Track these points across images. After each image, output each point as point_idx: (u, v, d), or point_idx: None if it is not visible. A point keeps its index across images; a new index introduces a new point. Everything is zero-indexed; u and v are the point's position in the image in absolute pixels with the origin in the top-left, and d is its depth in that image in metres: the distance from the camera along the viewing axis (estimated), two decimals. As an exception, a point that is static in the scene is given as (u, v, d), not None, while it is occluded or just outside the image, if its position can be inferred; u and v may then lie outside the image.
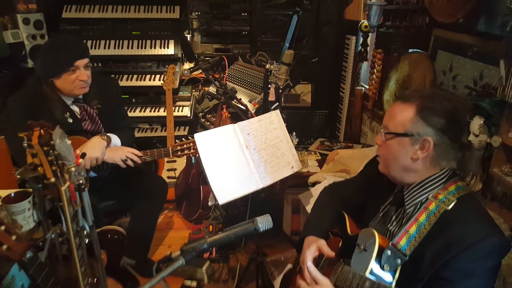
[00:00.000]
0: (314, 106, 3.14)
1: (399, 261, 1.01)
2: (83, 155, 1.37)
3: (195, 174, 2.53)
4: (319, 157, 2.58)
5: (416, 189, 1.10)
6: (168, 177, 2.87)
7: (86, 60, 1.77)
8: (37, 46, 2.86)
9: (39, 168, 1.13)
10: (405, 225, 1.06)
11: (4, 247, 0.95)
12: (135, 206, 2.05)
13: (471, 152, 1.08)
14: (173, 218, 2.79)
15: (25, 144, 1.16)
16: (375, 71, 2.53)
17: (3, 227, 0.97)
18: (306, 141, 2.95)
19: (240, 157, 1.61)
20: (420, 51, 2.17)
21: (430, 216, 1.03)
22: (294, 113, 3.08)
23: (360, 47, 2.58)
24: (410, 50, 2.24)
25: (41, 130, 1.13)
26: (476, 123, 1.54)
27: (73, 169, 1.21)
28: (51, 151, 1.14)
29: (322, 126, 3.14)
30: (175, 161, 2.89)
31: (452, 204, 1.02)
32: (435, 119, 1.02)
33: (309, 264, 1.16)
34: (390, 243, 1.04)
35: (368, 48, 2.57)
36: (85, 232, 1.33)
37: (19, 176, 1.34)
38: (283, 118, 1.94)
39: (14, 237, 0.98)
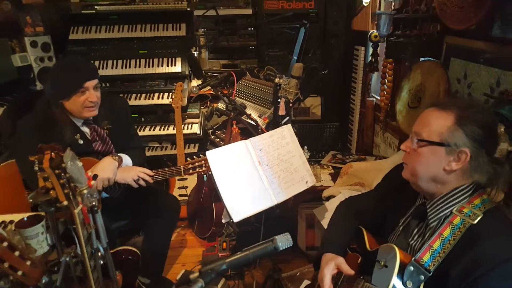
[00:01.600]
0: (324, 119, 3.11)
1: (422, 277, 0.97)
2: (95, 177, 1.34)
3: (207, 192, 2.49)
4: (332, 171, 2.53)
5: (440, 202, 1.05)
6: (180, 195, 2.84)
7: (95, 81, 1.77)
8: (45, 69, 2.90)
9: (51, 192, 1.11)
10: (428, 240, 1.02)
11: (19, 273, 0.92)
12: (148, 226, 2.02)
13: (502, 168, 1.03)
14: (186, 236, 2.75)
15: (36, 168, 1.15)
16: (386, 81, 2.50)
17: (17, 253, 0.94)
18: (318, 155, 2.90)
19: (253, 173, 1.58)
20: (432, 59, 2.13)
21: (455, 231, 0.98)
22: (304, 127, 3.05)
23: (370, 57, 2.55)
24: (422, 59, 2.20)
25: (52, 153, 1.12)
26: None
27: (85, 191, 1.19)
28: (62, 174, 1.12)
29: (333, 138, 3.09)
30: (186, 179, 2.86)
31: (478, 219, 0.97)
32: (475, 130, 0.97)
33: (326, 285, 1.12)
34: (413, 258, 1.00)
35: (378, 58, 2.54)
36: (99, 254, 1.31)
37: (31, 200, 1.33)
38: (294, 131, 1.91)
39: (28, 263, 0.95)
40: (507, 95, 1.47)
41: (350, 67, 2.97)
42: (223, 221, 2.08)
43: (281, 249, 0.91)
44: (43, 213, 1.37)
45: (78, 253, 1.28)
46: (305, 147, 2.40)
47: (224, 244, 2.45)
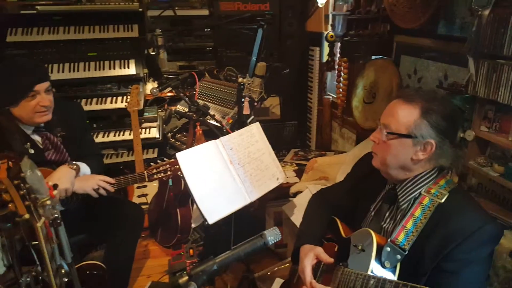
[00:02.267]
0: (284, 118, 3.16)
1: (399, 256, 1.02)
2: (55, 186, 1.23)
3: (171, 197, 2.40)
4: (296, 167, 2.57)
5: (409, 185, 1.12)
6: (140, 204, 2.70)
7: (46, 84, 1.63)
8: (-19, 74, 2.62)
9: (9, 205, 0.99)
10: (401, 221, 1.07)
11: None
12: (110, 237, 1.89)
13: (462, 151, 1.11)
14: (148, 246, 2.62)
15: (-13, 181, 1.03)
16: (342, 79, 2.60)
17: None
18: (279, 153, 2.94)
19: (226, 173, 1.55)
20: (384, 57, 2.26)
21: (425, 210, 1.05)
22: (264, 126, 3.02)
23: (327, 57, 2.65)
24: (374, 57, 2.33)
25: (9, 162, 1.01)
26: (450, 120, 1.61)
27: (48, 202, 1.08)
28: (22, 185, 1.01)
29: (292, 137, 3.16)
30: (145, 186, 2.74)
31: (445, 197, 1.05)
32: (439, 122, 1.03)
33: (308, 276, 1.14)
34: (389, 239, 1.04)
35: (335, 58, 2.64)
36: (63, 271, 1.20)
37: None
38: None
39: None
40: (457, 86, 1.60)
41: (306, 67, 3.06)
42: (193, 225, 2.03)
43: (271, 243, 0.90)
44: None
45: (39, 271, 1.17)
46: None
47: (191, 250, 2.37)
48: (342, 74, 2.59)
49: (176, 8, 2.78)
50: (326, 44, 2.63)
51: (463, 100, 1.53)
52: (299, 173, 2.46)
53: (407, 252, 1.02)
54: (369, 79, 2.34)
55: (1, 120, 1.59)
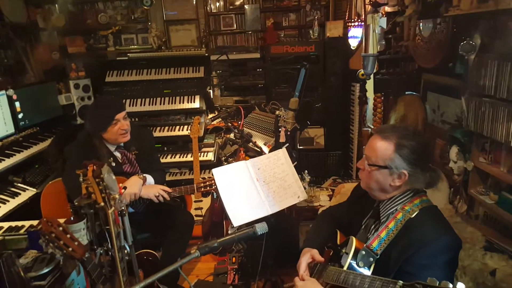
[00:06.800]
0: (327, 148, 3.42)
1: (371, 259, 1.25)
2: (124, 188, 1.72)
3: (217, 209, 2.81)
4: (330, 193, 2.80)
5: (388, 204, 1.35)
6: (196, 216, 3.16)
7: (123, 113, 2.17)
8: (85, 106, 3.43)
9: (92, 195, 1.48)
10: (377, 231, 1.29)
11: (70, 249, 1.27)
12: (166, 237, 2.34)
13: (436, 173, 1.32)
14: (200, 252, 3.04)
15: (81, 179, 1.54)
16: (377, 113, 2.81)
17: (69, 235, 1.30)
18: (322, 181, 3.18)
19: (252, 188, 1.90)
20: (413, 93, 2.45)
21: (397, 223, 1.27)
22: (309, 155, 3.37)
23: (359, 92, 2.90)
24: (407, 93, 2.52)
25: (94, 166, 1.51)
26: (454, 151, 1.77)
27: (117, 196, 1.55)
28: (100, 182, 1.50)
29: (336, 165, 3.39)
30: (201, 200, 3.20)
31: (415, 213, 1.26)
32: (409, 155, 1.25)
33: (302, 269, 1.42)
34: (365, 245, 1.27)
35: (367, 93, 2.88)
36: (125, 251, 1.64)
37: (74, 208, 1.71)
38: (293, 156, 2.22)
39: (76, 243, 1.31)
40: (460, 121, 1.76)
41: (348, 101, 3.32)
42: (229, 231, 2.38)
43: (259, 233, 1.22)
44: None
45: (109, 248, 1.63)
46: (306, 171, 2.70)
47: (234, 258, 2.73)
48: (377, 108, 2.80)
49: (234, 52, 3.33)
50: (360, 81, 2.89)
51: (462, 134, 1.69)
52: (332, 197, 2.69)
53: (378, 256, 1.25)
54: (400, 113, 2.53)
55: (95, 142, 2.18)
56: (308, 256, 1.47)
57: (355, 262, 1.27)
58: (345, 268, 1.27)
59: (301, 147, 3.38)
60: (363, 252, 1.27)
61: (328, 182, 3.08)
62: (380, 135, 1.33)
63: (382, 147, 1.30)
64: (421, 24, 2.14)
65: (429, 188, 1.35)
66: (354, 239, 1.33)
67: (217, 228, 2.90)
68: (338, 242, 1.51)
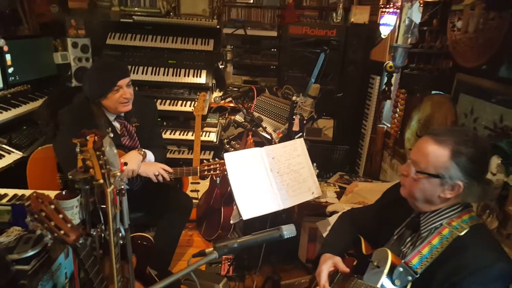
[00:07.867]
0: (335, 141, 3.24)
1: (410, 278, 1.09)
2: (126, 164, 1.51)
3: (218, 195, 2.63)
4: (338, 189, 2.64)
5: (433, 216, 1.17)
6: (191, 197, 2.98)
7: (127, 79, 1.94)
8: (81, 68, 3.15)
9: (90, 170, 1.27)
10: (418, 247, 1.13)
11: (62, 232, 1.07)
12: (161, 220, 2.16)
13: (489, 187, 1.15)
14: (193, 236, 2.87)
15: (78, 150, 1.32)
16: (398, 110, 2.64)
17: (61, 216, 1.09)
18: (326, 175, 3.02)
19: (264, 178, 1.72)
20: (442, 93, 2.27)
21: (443, 240, 1.10)
22: (315, 147, 3.17)
23: (384, 86, 2.71)
24: (433, 92, 2.34)
25: (96, 137, 1.29)
26: (494, 162, 1.60)
27: (118, 173, 1.35)
28: (101, 156, 1.29)
29: (342, 161, 3.22)
30: (198, 183, 3.01)
31: (464, 231, 1.09)
32: (467, 165, 1.07)
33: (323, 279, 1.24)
34: (403, 261, 1.12)
35: (392, 88, 2.70)
36: (120, 235, 1.45)
37: (64, 179, 1.49)
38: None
39: (69, 225, 1.11)
40: (506, 130, 1.60)
41: (365, 94, 3.13)
42: (232, 221, 2.22)
43: (286, 237, 1.05)
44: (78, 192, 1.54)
45: (103, 229, 1.43)
46: (314, 164, 2.52)
47: (229, 248, 2.56)
48: (399, 105, 2.62)
49: (248, 28, 3.08)
50: (385, 73, 2.70)
51: (508, 144, 1.52)
52: (339, 194, 2.53)
53: (418, 275, 1.09)
54: (425, 113, 2.35)
55: (94, 108, 1.95)
56: (330, 264, 1.30)
57: (390, 280, 1.11)
58: (378, 285, 1.11)
59: (307, 138, 3.19)
60: (401, 269, 1.11)
61: (334, 177, 2.91)
62: (433, 138, 1.14)
63: (436, 153, 1.11)
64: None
65: (480, 202, 1.18)
66: (389, 252, 1.16)
67: (213, 214, 2.73)
68: (364, 251, 1.34)
